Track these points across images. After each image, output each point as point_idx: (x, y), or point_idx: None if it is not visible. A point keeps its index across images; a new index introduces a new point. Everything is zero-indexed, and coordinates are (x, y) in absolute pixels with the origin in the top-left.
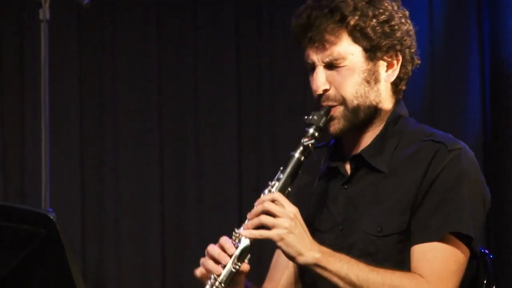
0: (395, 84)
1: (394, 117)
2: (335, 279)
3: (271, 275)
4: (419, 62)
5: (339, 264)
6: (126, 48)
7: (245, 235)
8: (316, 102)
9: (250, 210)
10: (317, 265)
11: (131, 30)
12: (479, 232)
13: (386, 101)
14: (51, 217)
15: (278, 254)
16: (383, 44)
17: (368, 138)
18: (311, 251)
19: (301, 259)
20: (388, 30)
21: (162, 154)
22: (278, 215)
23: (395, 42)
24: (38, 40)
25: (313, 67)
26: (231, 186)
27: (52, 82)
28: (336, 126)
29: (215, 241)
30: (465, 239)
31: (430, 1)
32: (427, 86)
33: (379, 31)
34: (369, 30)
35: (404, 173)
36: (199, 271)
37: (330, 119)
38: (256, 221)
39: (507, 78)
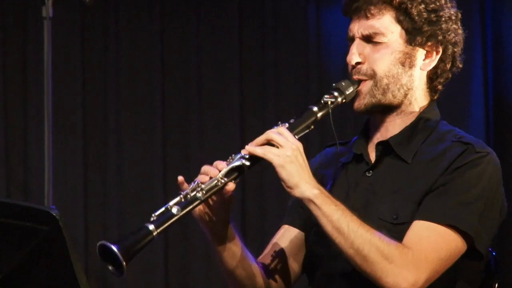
0: (431, 79)
1: (429, 115)
2: (325, 221)
3: (267, 249)
4: (460, 66)
5: (334, 208)
6: (129, 45)
7: (248, 150)
8: (348, 75)
9: (253, 208)
10: (312, 201)
11: (135, 27)
12: (487, 235)
13: (420, 93)
14: (54, 214)
15: (281, 230)
16: (425, 29)
17: (397, 127)
18: (309, 185)
19: (298, 191)
20: (434, 19)
21: (165, 150)
22: (282, 144)
23: (438, 31)
24: (41, 37)
25: (352, 40)
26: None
27: (55, 79)
28: (360, 102)
29: None
30: (465, 235)
31: None
32: None
33: (424, 16)
34: (414, 11)
35: (428, 167)
36: (181, 178)
37: (357, 94)
38: (260, 141)
39: (509, 79)
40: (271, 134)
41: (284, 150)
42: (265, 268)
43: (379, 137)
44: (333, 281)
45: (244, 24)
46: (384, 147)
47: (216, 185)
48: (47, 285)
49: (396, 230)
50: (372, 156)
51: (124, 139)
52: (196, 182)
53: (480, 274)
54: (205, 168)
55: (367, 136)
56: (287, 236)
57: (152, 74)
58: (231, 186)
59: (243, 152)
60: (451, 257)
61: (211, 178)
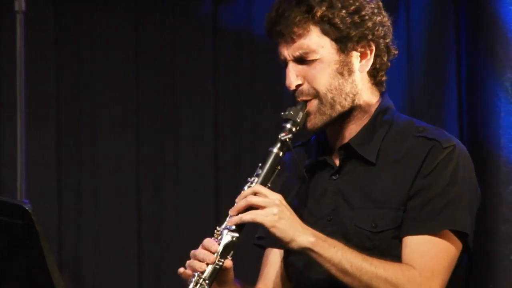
0: (373, 76)
1: (383, 108)
2: (328, 265)
3: (264, 274)
4: (396, 52)
5: (333, 250)
6: (104, 38)
7: (236, 220)
8: (292, 97)
9: (229, 206)
10: (311, 249)
11: (109, 21)
12: (472, 226)
13: (366, 93)
14: (27, 208)
15: (268, 253)
16: (353, 34)
17: (353, 130)
18: (305, 235)
19: (295, 244)
20: (358, 20)
21: (139, 144)
22: (264, 205)
23: (366, 32)
24: (14, 31)
25: (286, 63)
26: (209, 179)
27: (28, 73)
28: (313, 122)
29: (192, 230)
30: (460, 235)
31: (408, 14)
32: (405, 95)
33: (348, 21)
34: (337, 20)
35: (396, 168)
36: (182, 270)
37: (307, 114)
38: (242, 207)
39: (482, 90)
40: (250, 199)
41: (269, 210)
42: None
43: (338, 143)
44: None
45: (218, 18)
46: (346, 150)
47: (215, 269)
48: (20, 279)
49: (376, 238)
50: (336, 160)
51: (99, 133)
52: (196, 275)
53: (463, 269)
54: (199, 254)
55: (326, 140)
56: (273, 259)
57: (127, 68)
58: (228, 263)
59: (227, 224)
60: (453, 261)
61: (207, 264)
